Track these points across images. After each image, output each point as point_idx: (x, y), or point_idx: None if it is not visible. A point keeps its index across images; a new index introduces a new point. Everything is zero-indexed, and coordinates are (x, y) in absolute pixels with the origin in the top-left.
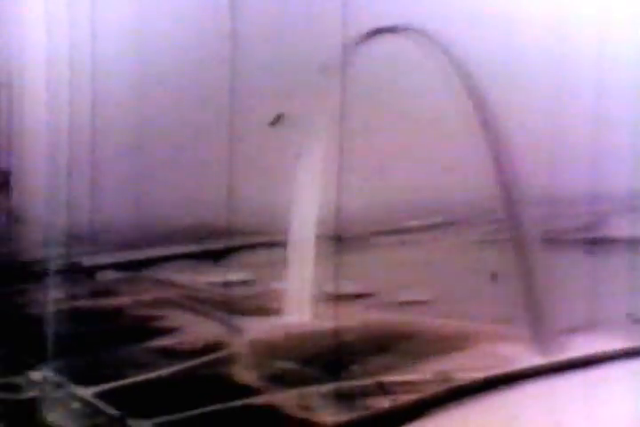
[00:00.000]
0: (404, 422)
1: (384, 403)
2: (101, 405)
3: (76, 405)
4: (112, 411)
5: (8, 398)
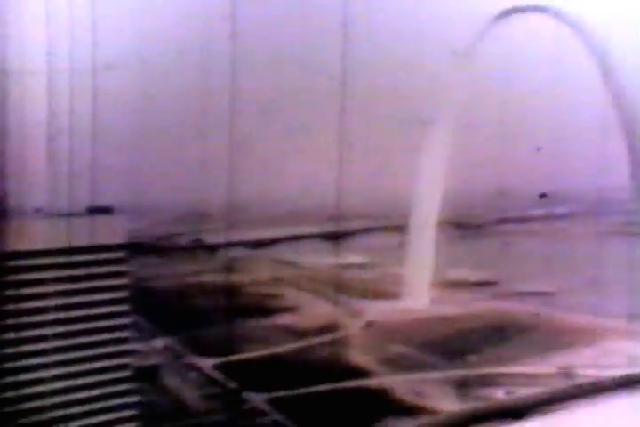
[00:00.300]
0: (522, 416)
1: (501, 394)
2: (219, 376)
3: (193, 374)
4: (228, 383)
5: (132, 364)
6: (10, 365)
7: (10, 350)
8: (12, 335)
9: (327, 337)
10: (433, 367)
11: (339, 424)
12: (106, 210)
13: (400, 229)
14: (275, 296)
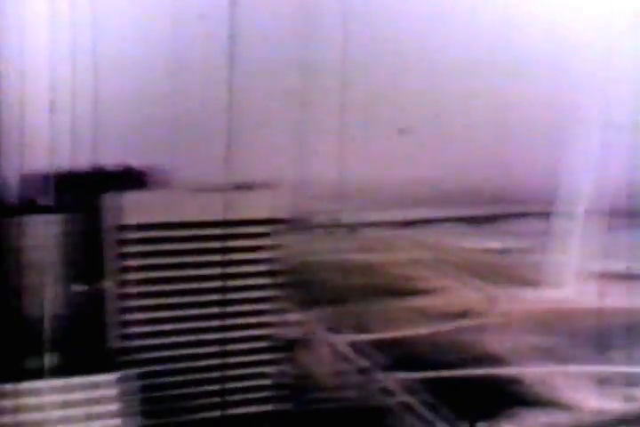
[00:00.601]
0: None
1: None
2: (352, 354)
3: (328, 350)
4: (361, 361)
5: (271, 335)
6: (158, 328)
7: (159, 315)
8: (165, 301)
9: (463, 322)
10: (572, 361)
11: (468, 410)
12: (253, 186)
13: (546, 215)
14: (412, 278)
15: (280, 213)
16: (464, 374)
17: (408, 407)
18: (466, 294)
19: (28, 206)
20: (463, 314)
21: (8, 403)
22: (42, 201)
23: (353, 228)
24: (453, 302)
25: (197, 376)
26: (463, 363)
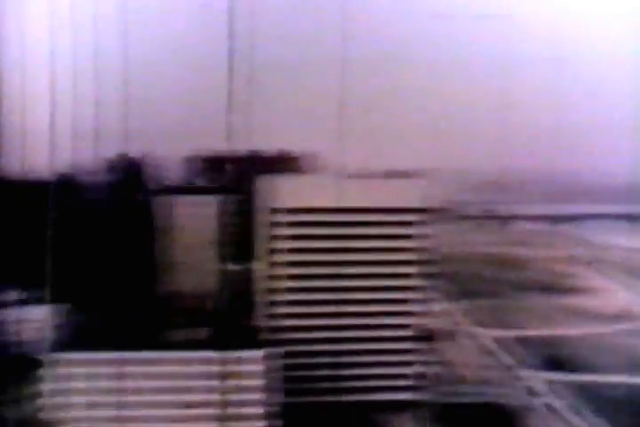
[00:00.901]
0: None
1: None
2: (496, 349)
3: (470, 343)
4: (505, 357)
5: (414, 324)
6: (303, 309)
7: (305, 297)
8: (311, 284)
9: (623, 326)
10: None
11: (620, 420)
12: (406, 174)
13: None
14: (567, 275)
15: (432, 203)
16: (618, 380)
17: (553, 410)
18: (625, 295)
19: (188, 187)
20: (623, 317)
21: (155, 369)
22: (201, 182)
23: (506, 220)
24: (610, 303)
25: (337, 360)
26: (618, 368)
